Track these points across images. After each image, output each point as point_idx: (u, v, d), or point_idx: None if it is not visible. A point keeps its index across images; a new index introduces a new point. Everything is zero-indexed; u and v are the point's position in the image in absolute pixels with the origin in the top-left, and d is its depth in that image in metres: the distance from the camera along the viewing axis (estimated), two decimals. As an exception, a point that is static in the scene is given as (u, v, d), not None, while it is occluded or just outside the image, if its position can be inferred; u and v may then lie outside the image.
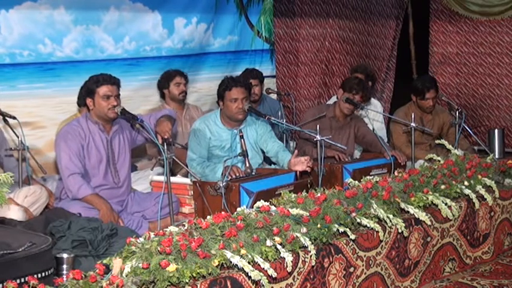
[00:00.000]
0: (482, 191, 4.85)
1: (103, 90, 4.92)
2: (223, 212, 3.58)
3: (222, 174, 4.93)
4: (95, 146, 5.00)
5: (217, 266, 3.18)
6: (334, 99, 6.51)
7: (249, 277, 3.24)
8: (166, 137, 4.77)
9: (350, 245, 3.91)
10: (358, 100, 5.98)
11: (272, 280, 3.39)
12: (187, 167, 5.26)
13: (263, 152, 5.74)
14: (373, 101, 7.45)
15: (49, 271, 3.18)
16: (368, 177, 4.53)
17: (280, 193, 4.24)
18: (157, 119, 5.09)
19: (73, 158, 4.88)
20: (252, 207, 3.82)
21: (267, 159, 5.93)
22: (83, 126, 5.00)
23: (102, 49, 6.47)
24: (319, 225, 3.71)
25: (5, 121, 5.28)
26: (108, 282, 2.88)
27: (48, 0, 5.99)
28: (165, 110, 5.45)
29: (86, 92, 5.00)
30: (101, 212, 4.78)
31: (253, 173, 5.21)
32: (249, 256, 3.29)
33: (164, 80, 6.55)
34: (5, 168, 5.17)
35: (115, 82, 5.00)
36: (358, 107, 6.44)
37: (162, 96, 6.63)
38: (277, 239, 3.48)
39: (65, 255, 3.44)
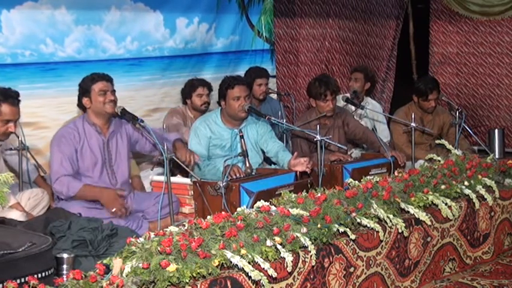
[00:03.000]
0: (483, 191, 4.85)
1: (99, 86, 4.97)
2: (223, 212, 3.59)
3: (222, 173, 4.94)
4: (89, 148, 5.00)
5: (217, 266, 3.19)
6: (339, 98, 6.50)
7: (249, 277, 3.25)
8: (192, 163, 4.97)
9: (350, 245, 3.91)
10: (331, 98, 5.96)
11: (272, 280, 3.39)
12: (187, 167, 5.26)
13: (263, 152, 5.75)
14: (372, 102, 7.46)
15: (49, 271, 3.18)
16: (368, 177, 4.53)
17: (281, 193, 4.25)
18: (172, 143, 5.14)
19: (64, 163, 4.89)
20: (252, 207, 3.82)
21: (267, 159, 5.93)
22: (79, 128, 5.01)
23: (104, 49, 6.47)
24: (319, 225, 3.71)
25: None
26: (108, 282, 2.89)
27: (49, 0, 5.99)
28: (171, 135, 5.40)
29: (82, 92, 5.02)
30: (102, 201, 4.87)
31: (253, 173, 5.22)
32: (249, 256, 3.30)
33: (187, 89, 6.56)
34: (11, 163, 5.26)
35: (109, 79, 5.05)
36: (358, 106, 6.46)
37: (184, 103, 6.64)
38: (277, 239, 3.48)
39: (65, 255, 3.44)
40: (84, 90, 5.01)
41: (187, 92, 6.55)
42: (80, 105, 5.09)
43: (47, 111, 6.08)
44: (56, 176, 4.88)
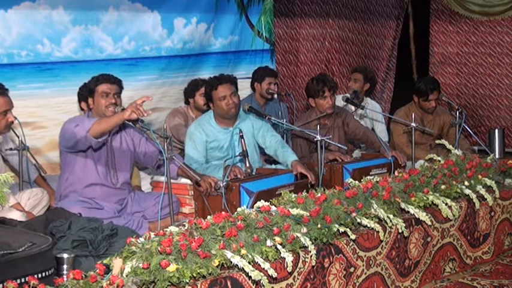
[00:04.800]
0: (483, 191, 4.84)
1: (102, 88, 4.97)
2: (223, 212, 3.58)
3: (222, 173, 4.94)
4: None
5: (217, 266, 3.18)
6: (339, 98, 6.50)
7: (250, 277, 3.24)
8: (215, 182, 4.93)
9: (350, 245, 3.91)
10: (329, 95, 5.96)
11: (272, 280, 3.38)
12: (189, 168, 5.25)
13: (262, 149, 5.73)
14: (372, 102, 7.46)
15: (49, 271, 3.18)
16: (368, 177, 4.52)
17: (281, 193, 4.24)
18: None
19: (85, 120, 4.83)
20: (252, 207, 3.81)
21: (266, 160, 5.94)
22: None
23: (101, 49, 6.46)
24: (319, 225, 3.70)
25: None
26: (108, 282, 2.88)
27: (47, 0, 5.97)
28: (176, 158, 5.09)
29: (88, 92, 5.06)
30: (122, 113, 4.60)
31: (254, 173, 5.22)
32: (249, 256, 3.29)
33: (191, 89, 6.55)
34: (11, 163, 5.27)
35: (115, 81, 5.03)
36: (358, 106, 6.46)
37: (187, 103, 6.63)
38: (277, 239, 3.48)
39: (65, 255, 3.43)
40: (89, 90, 5.05)
41: (190, 91, 6.54)
42: (85, 105, 5.10)
43: (44, 111, 6.08)
44: (74, 125, 4.76)
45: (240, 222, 3.45)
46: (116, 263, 3.06)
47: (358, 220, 3.97)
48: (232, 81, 5.52)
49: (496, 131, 7.00)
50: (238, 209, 3.70)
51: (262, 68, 7.19)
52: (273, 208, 3.76)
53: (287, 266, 3.44)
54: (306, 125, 5.88)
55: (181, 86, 6.89)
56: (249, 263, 3.25)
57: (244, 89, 7.15)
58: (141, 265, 3.02)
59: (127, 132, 5.22)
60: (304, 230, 3.63)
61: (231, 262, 3.23)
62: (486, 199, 4.84)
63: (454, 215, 4.54)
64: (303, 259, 3.60)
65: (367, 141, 6.24)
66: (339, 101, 6.49)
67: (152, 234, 3.29)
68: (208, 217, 3.50)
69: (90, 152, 4.99)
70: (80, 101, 5.63)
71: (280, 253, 3.44)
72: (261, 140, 5.64)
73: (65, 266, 3.40)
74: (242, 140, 5.24)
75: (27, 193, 4.95)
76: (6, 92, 4.76)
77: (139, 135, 5.26)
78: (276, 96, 7.26)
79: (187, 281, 3.05)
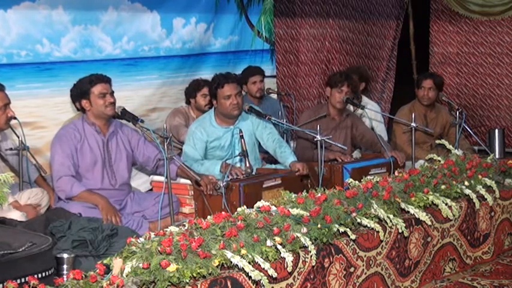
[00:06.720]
0: (483, 191, 4.84)
1: (98, 89, 4.95)
2: (223, 212, 3.58)
3: (220, 171, 4.94)
4: (89, 147, 4.99)
5: (217, 266, 3.18)
6: None
7: (250, 277, 3.24)
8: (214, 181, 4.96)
9: (350, 245, 3.90)
10: (347, 92, 6.00)
11: (272, 280, 3.38)
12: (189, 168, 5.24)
13: (262, 148, 5.74)
14: (371, 102, 7.46)
15: (49, 271, 3.18)
16: (368, 177, 4.52)
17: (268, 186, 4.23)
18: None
19: (65, 161, 4.89)
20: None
21: (267, 160, 5.93)
22: (79, 128, 5.00)
23: (100, 49, 6.45)
24: (319, 225, 3.70)
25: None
26: (108, 282, 2.88)
27: (46, 0, 5.97)
28: (176, 159, 5.10)
29: (80, 94, 4.99)
30: (99, 206, 4.78)
31: (254, 173, 5.22)
32: (250, 256, 3.29)
33: (192, 89, 6.56)
34: (11, 163, 5.26)
35: (108, 80, 5.04)
36: (358, 106, 6.46)
37: (188, 103, 6.63)
38: (277, 239, 3.47)
39: (65, 255, 3.44)
40: (82, 92, 4.98)
41: (191, 91, 6.54)
42: (80, 108, 5.08)
43: (43, 111, 6.07)
44: (59, 175, 4.87)
45: (240, 222, 3.45)
46: (116, 263, 3.05)
47: (358, 220, 3.97)
48: (239, 81, 5.55)
49: (496, 131, 7.02)
50: (238, 209, 3.70)
51: (246, 69, 7.17)
52: (273, 208, 3.75)
53: (287, 266, 3.44)
54: (313, 122, 5.86)
55: (181, 86, 6.89)
56: (249, 263, 3.24)
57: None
58: (141, 265, 3.01)
59: (124, 132, 5.22)
60: (304, 230, 3.63)
61: (231, 262, 3.22)
62: (486, 199, 4.84)
63: (454, 215, 4.54)
64: (303, 259, 3.60)
65: (372, 145, 6.24)
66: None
67: (152, 234, 3.29)
68: (208, 217, 3.50)
69: (86, 155, 5.00)
70: (74, 102, 5.62)
71: (280, 253, 3.44)
72: (260, 136, 5.64)
73: (65, 266, 3.41)
74: (242, 140, 5.24)
75: (27, 193, 4.94)
76: (3, 88, 4.77)
77: (136, 136, 5.26)
78: (275, 95, 7.27)
79: (187, 281, 3.05)
